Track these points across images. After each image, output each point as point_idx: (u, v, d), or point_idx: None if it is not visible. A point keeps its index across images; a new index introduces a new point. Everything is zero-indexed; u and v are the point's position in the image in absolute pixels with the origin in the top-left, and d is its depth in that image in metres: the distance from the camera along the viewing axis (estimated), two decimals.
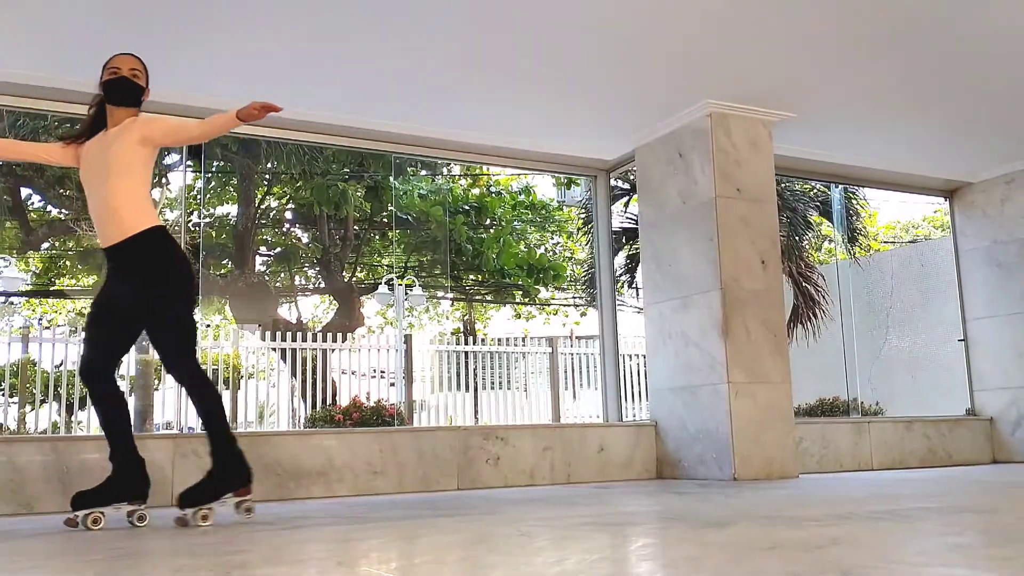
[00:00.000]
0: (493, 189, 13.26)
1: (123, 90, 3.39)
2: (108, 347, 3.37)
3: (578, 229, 13.07)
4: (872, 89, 5.34)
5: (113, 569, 2.22)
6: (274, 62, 4.70)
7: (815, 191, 10.11)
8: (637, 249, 6.95)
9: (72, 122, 9.52)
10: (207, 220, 11.64)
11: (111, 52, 4.46)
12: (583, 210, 11.73)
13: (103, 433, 3.34)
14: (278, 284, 12.26)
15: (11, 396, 9.15)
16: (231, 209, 12.01)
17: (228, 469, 3.33)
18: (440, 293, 13.60)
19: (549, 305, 14.78)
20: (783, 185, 9.16)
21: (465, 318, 14.28)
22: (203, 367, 3.53)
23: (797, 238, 9.63)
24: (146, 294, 3.28)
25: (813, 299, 9.88)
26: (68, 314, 13.03)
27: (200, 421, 3.39)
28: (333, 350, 10.08)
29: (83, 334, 3.36)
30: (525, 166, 6.67)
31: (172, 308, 3.31)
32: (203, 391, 3.33)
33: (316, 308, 13.44)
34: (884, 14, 4.37)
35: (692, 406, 5.45)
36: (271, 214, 12.49)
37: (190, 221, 10.50)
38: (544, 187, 13.98)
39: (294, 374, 9.84)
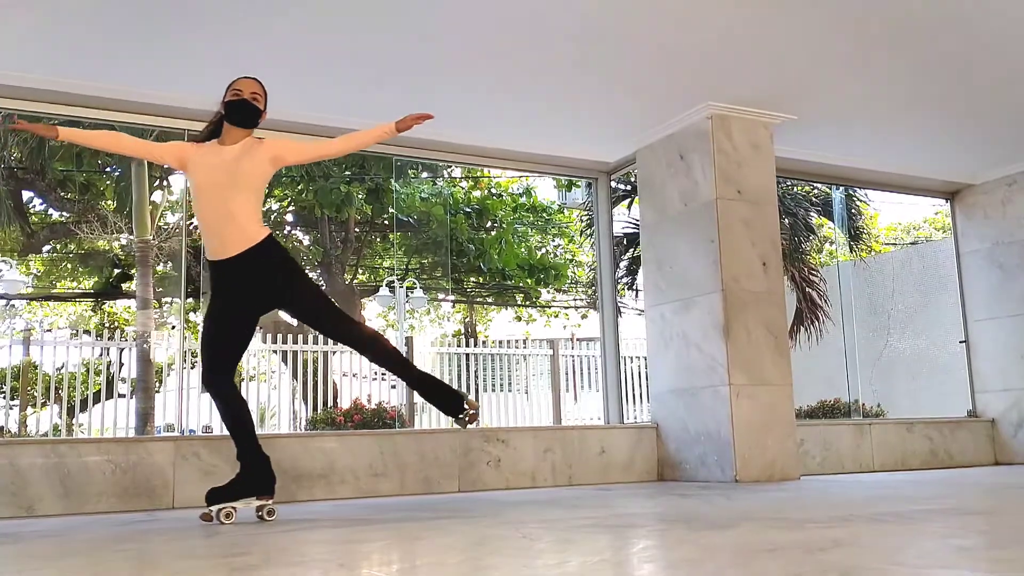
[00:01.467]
0: (494, 191, 13.27)
1: (244, 112, 3.61)
2: (234, 348, 3.58)
3: (579, 232, 13.08)
4: (873, 91, 5.34)
5: (115, 570, 2.22)
6: (274, 64, 4.71)
7: (815, 193, 10.12)
8: (638, 254, 6.95)
9: (72, 123, 9.56)
10: None
11: (110, 53, 4.50)
12: (584, 211, 11.74)
13: (229, 433, 3.51)
14: None
15: (12, 399, 9.16)
16: None
17: (255, 474, 3.49)
18: (441, 295, 13.60)
19: (550, 307, 14.79)
20: (783, 188, 9.16)
21: (466, 320, 14.29)
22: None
23: (798, 240, 9.63)
24: (286, 286, 3.56)
25: (815, 303, 9.88)
26: (69, 317, 13.04)
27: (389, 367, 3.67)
28: (334, 352, 10.08)
29: (203, 344, 3.56)
30: (526, 168, 6.67)
31: (313, 288, 3.73)
32: (381, 344, 3.69)
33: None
34: (885, 16, 4.37)
35: (693, 408, 5.45)
36: (272, 216, 12.50)
37: (191, 223, 10.50)
38: (545, 189, 13.99)
39: (295, 376, 9.85)
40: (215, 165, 3.52)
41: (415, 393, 3.77)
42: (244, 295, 3.54)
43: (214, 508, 3.37)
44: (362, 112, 5.37)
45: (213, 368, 3.50)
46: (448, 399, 3.64)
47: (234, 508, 3.38)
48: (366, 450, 4.98)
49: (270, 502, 3.49)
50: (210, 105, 5.07)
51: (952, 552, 2.15)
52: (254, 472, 3.48)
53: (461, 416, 3.61)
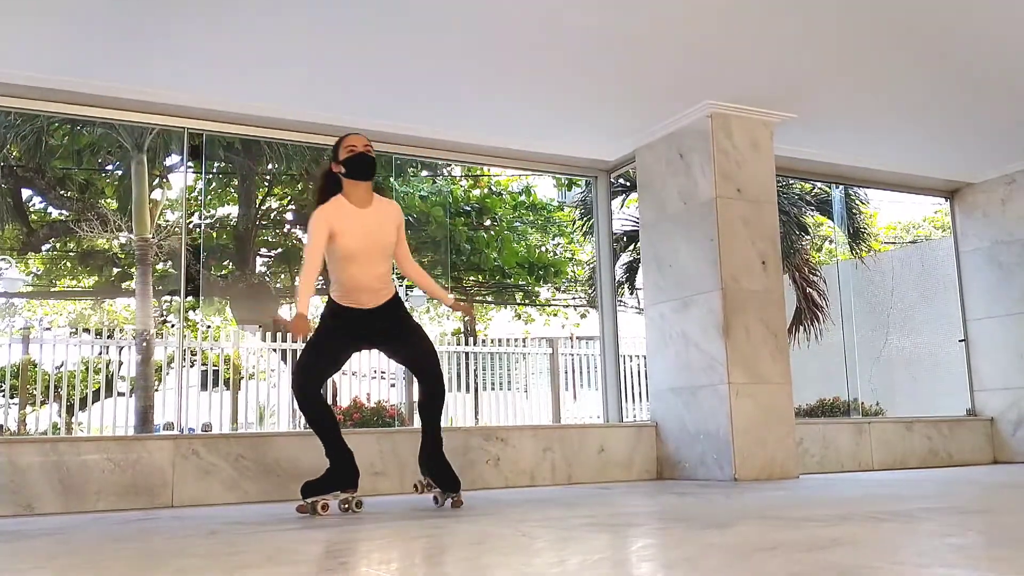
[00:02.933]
0: (494, 190, 13.27)
1: (365, 165, 3.80)
2: (336, 366, 3.97)
3: (578, 229, 13.08)
4: (873, 90, 5.34)
5: (115, 568, 2.22)
6: (274, 63, 4.71)
7: (813, 192, 10.12)
8: (638, 255, 6.96)
9: (72, 122, 9.57)
10: (208, 221, 11.65)
11: (108, 52, 4.50)
12: (582, 208, 11.74)
13: (317, 435, 3.81)
14: (279, 285, 12.27)
15: (12, 397, 9.16)
16: (232, 210, 12.02)
17: (341, 470, 3.79)
18: None
19: (550, 306, 14.78)
20: (778, 187, 9.17)
21: (465, 319, 14.27)
22: None
23: (791, 240, 9.63)
24: (406, 330, 3.96)
25: (815, 302, 9.89)
26: (68, 315, 13.04)
27: (429, 423, 3.94)
28: None
29: (310, 369, 3.81)
30: (525, 167, 6.67)
31: (423, 334, 4.05)
32: (442, 395, 3.96)
33: (317, 309, 13.45)
34: (885, 15, 4.37)
35: (692, 407, 5.45)
36: (272, 215, 12.50)
37: (191, 222, 10.50)
38: (544, 188, 13.99)
39: None
40: (364, 233, 3.78)
41: (423, 459, 4.00)
42: (366, 336, 3.92)
43: (309, 500, 3.68)
44: (360, 111, 5.38)
45: (314, 386, 3.82)
46: (448, 477, 3.87)
47: (328, 501, 3.70)
48: (365, 449, 4.97)
49: (354, 495, 3.79)
50: (210, 104, 5.10)
51: (951, 551, 2.15)
52: (340, 468, 3.77)
53: (447, 496, 3.87)
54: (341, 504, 3.79)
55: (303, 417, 3.91)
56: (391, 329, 3.91)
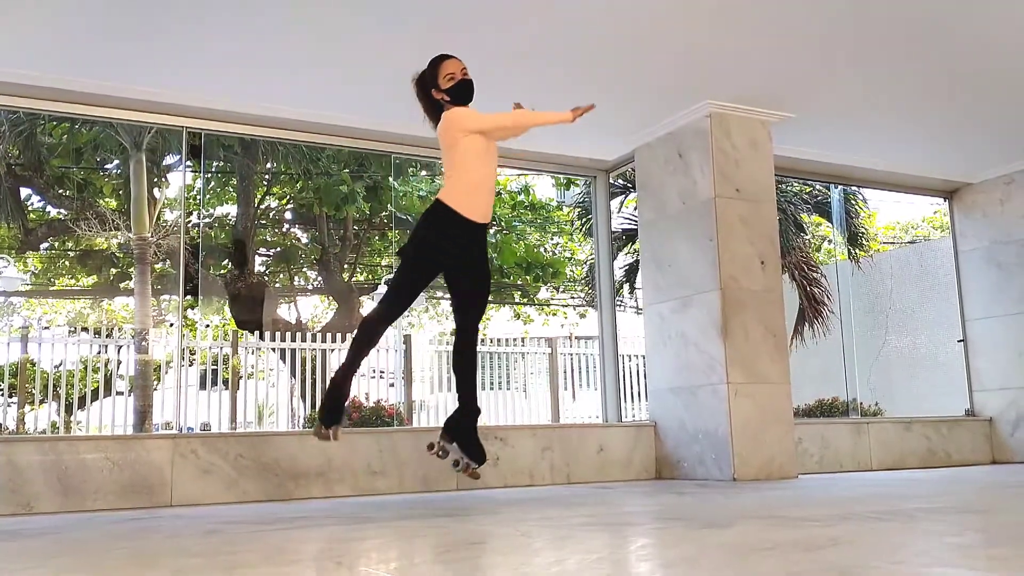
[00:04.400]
0: None
1: (473, 88, 3.92)
2: (416, 297, 4.00)
3: (577, 229, 13.08)
4: (872, 90, 5.34)
5: (113, 569, 2.22)
6: (274, 63, 4.70)
7: (810, 192, 10.12)
8: (637, 255, 6.96)
9: (71, 122, 9.56)
10: (206, 220, 11.64)
11: (110, 52, 4.49)
12: (580, 207, 11.74)
13: (354, 358, 3.93)
14: (277, 284, 12.26)
15: (10, 396, 9.15)
16: (230, 209, 12.01)
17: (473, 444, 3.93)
18: (440, 293, 13.59)
19: (548, 305, 14.78)
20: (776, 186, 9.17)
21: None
22: None
23: (787, 239, 9.63)
24: (485, 262, 3.95)
25: (818, 300, 9.89)
26: (67, 314, 13.02)
27: (462, 384, 3.94)
28: (332, 350, 10.08)
29: (402, 290, 3.87)
30: (524, 166, 6.67)
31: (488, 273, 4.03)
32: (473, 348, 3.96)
33: (315, 308, 13.45)
34: (884, 15, 4.37)
35: (691, 406, 5.45)
36: (271, 214, 12.49)
37: (189, 221, 10.49)
38: (543, 187, 13.98)
39: (294, 374, 9.84)
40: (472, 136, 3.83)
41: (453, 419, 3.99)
42: (465, 259, 3.87)
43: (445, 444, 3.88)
44: (360, 111, 5.38)
45: (393, 316, 3.94)
46: (474, 444, 3.92)
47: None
48: (364, 448, 4.98)
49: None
50: (209, 104, 5.09)
51: (950, 550, 2.16)
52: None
53: (467, 465, 3.92)
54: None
55: (357, 338, 3.94)
56: (478, 257, 3.90)
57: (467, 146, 3.80)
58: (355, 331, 3.95)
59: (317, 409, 3.87)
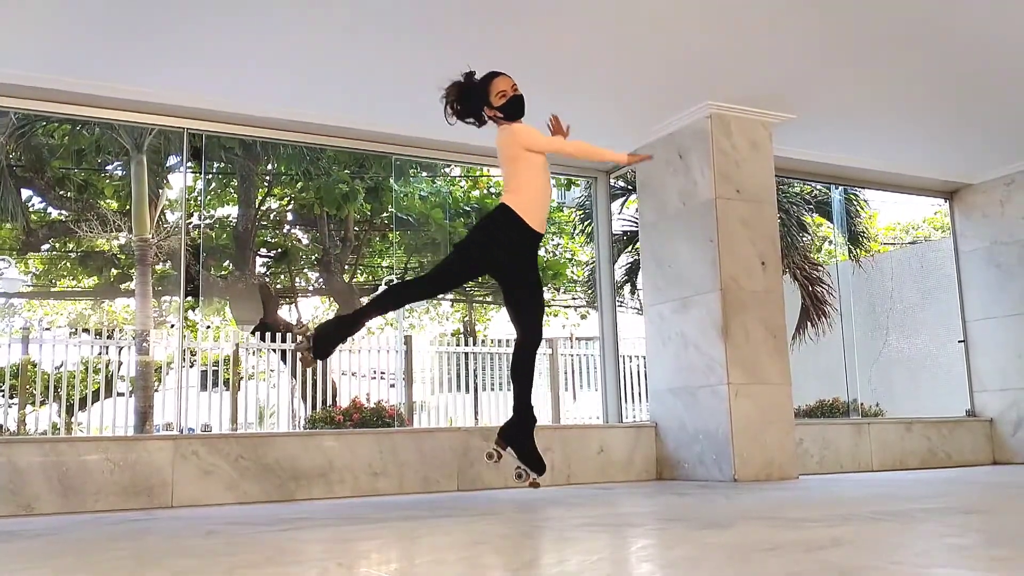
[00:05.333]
0: (493, 190, 13.26)
1: (524, 104, 4.05)
2: (455, 283, 4.21)
3: (578, 231, 13.08)
4: (872, 90, 5.34)
5: (114, 570, 2.22)
6: (274, 63, 4.71)
7: (811, 192, 10.12)
8: (638, 256, 6.96)
9: (72, 123, 9.56)
10: (207, 221, 11.65)
11: (110, 53, 4.49)
12: (581, 210, 11.74)
13: (365, 315, 3.99)
14: (278, 285, 12.27)
15: (11, 397, 9.15)
16: (231, 210, 12.02)
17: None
18: (440, 294, 13.58)
19: (549, 306, 14.78)
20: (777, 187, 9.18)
21: (465, 319, 14.28)
22: None
23: (790, 239, 9.63)
24: (537, 274, 4.06)
25: (821, 300, 9.89)
26: (68, 315, 13.03)
27: (517, 391, 4.03)
28: None
29: (448, 268, 4.02)
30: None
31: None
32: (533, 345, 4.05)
33: (316, 309, 13.45)
34: (884, 16, 4.37)
35: (692, 407, 5.45)
36: (271, 215, 12.49)
37: (190, 223, 10.49)
38: None
39: (294, 375, 9.84)
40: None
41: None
42: (519, 264, 3.97)
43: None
44: (361, 111, 5.38)
45: (427, 293, 4.12)
46: (532, 454, 3.97)
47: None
48: (365, 449, 4.98)
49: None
50: (210, 105, 5.10)
51: (950, 551, 2.16)
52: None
53: (528, 477, 3.95)
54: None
55: (377, 303, 4.00)
56: (530, 264, 4.01)
57: (530, 160, 3.95)
58: (379, 292, 4.05)
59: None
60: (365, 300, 12.09)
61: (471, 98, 4.01)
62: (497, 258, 3.93)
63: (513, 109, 4.00)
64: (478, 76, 3.99)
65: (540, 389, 11.00)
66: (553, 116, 4.21)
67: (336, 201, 10.78)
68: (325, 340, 3.85)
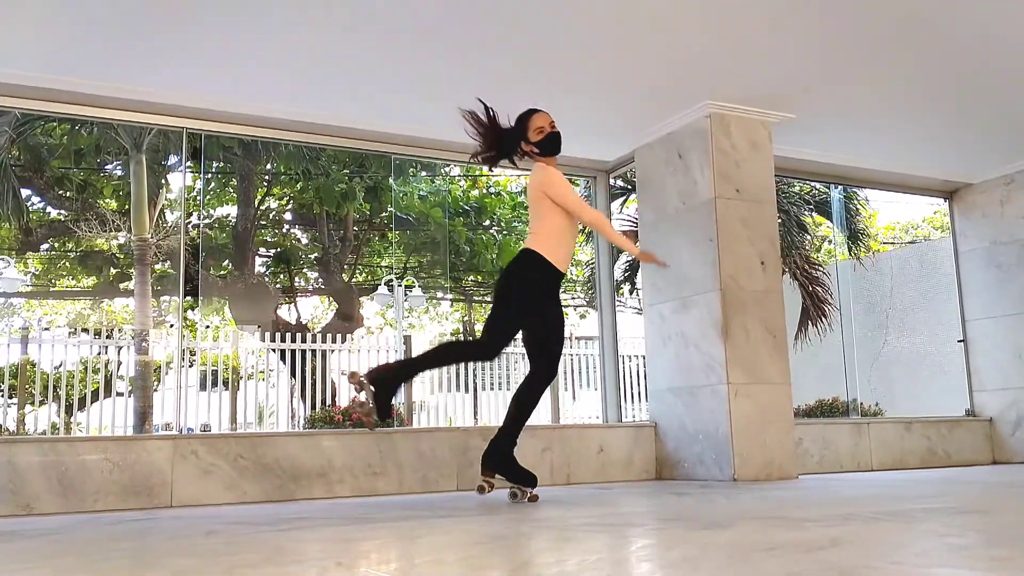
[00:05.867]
0: (492, 190, 13.26)
1: (561, 141, 4.20)
2: (504, 340, 4.07)
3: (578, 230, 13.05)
4: (872, 90, 5.34)
5: (113, 570, 2.22)
6: (274, 63, 4.70)
7: (811, 192, 10.13)
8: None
9: (72, 123, 9.56)
10: (207, 221, 11.65)
11: (110, 52, 4.49)
12: None
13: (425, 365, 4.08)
14: (277, 285, 12.27)
15: (10, 397, 9.15)
16: (231, 210, 12.02)
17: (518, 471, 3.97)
18: (440, 294, 13.60)
19: None
20: (777, 186, 9.18)
21: (464, 319, 14.28)
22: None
23: (790, 240, 9.64)
24: (559, 309, 4.15)
25: (822, 300, 9.90)
26: (67, 315, 13.03)
27: (513, 412, 4.00)
28: (332, 351, 10.08)
29: (501, 323, 4.00)
30: (526, 167, 6.64)
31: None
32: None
33: (316, 309, 13.45)
34: (884, 15, 4.37)
35: (692, 407, 5.45)
36: (271, 215, 12.49)
37: (189, 222, 10.50)
38: None
39: (293, 375, 9.84)
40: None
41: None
42: (545, 302, 4.05)
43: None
44: (361, 111, 5.38)
45: (487, 355, 4.09)
46: (517, 470, 3.96)
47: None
48: (364, 449, 4.98)
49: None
50: (209, 104, 5.09)
51: (950, 551, 2.15)
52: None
53: (524, 494, 3.94)
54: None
55: (434, 359, 4.09)
56: (554, 300, 4.11)
57: (555, 205, 4.06)
58: (438, 344, 4.19)
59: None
60: (364, 301, 12.10)
61: (506, 142, 4.11)
62: (534, 298, 4.00)
63: (550, 146, 4.11)
64: (502, 114, 4.06)
65: None
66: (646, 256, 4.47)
67: (335, 199, 10.78)
68: (386, 398, 3.88)
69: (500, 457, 3.95)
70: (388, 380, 3.88)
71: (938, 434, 6.71)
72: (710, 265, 5.37)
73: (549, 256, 3.97)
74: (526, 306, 3.98)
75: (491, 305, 4.09)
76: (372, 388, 3.84)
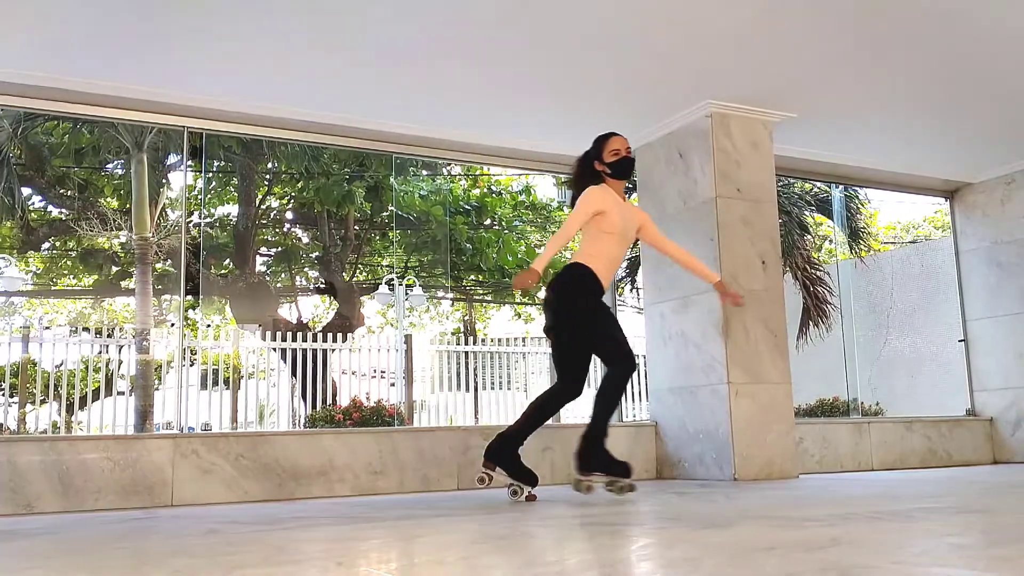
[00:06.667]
0: (493, 189, 13.27)
1: (631, 168, 4.25)
2: (584, 366, 4.11)
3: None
4: (873, 89, 5.33)
5: (114, 568, 2.22)
6: (275, 62, 4.70)
7: (813, 191, 10.12)
8: (637, 256, 6.95)
9: (73, 122, 9.56)
10: (208, 220, 11.65)
11: (111, 52, 4.49)
12: None
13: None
14: (278, 284, 12.27)
15: (11, 396, 9.16)
16: (232, 209, 12.02)
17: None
18: (440, 293, 13.60)
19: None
20: (778, 186, 9.18)
21: (465, 318, 14.28)
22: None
23: (793, 238, 9.64)
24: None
25: (823, 300, 9.90)
26: (68, 314, 13.03)
27: (596, 405, 4.01)
28: (333, 350, 10.08)
29: (576, 351, 4.05)
30: (525, 166, 6.66)
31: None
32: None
33: (316, 308, 13.45)
34: (885, 15, 4.37)
35: (692, 406, 5.45)
36: (272, 214, 12.49)
37: (191, 221, 10.50)
38: (544, 187, 13.99)
39: (294, 374, 9.85)
40: (624, 220, 4.13)
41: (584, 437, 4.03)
42: (595, 314, 4.07)
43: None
44: (360, 111, 5.38)
45: (571, 388, 4.07)
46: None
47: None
48: (365, 448, 4.98)
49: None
50: (210, 104, 5.10)
51: (950, 550, 2.15)
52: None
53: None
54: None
55: (538, 420, 4.05)
56: (605, 310, 4.14)
57: (600, 224, 4.08)
58: (538, 399, 4.10)
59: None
60: (366, 300, 12.10)
61: (588, 161, 4.21)
62: (589, 310, 4.04)
63: (621, 169, 4.16)
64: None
65: (540, 389, 11.02)
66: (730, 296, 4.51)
67: (335, 201, 10.79)
68: (512, 464, 3.97)
69: (504, 452, 3.97)
70: (504, 452, 3.97)
71: (939, 434, 6.70)
72: (711, 264, 5.36)
73: (600, 273, 4.07)
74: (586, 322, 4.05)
75: (556, 335, 4.09)
76: (497, 468, 3.94)
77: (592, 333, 4.01)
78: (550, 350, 4.19)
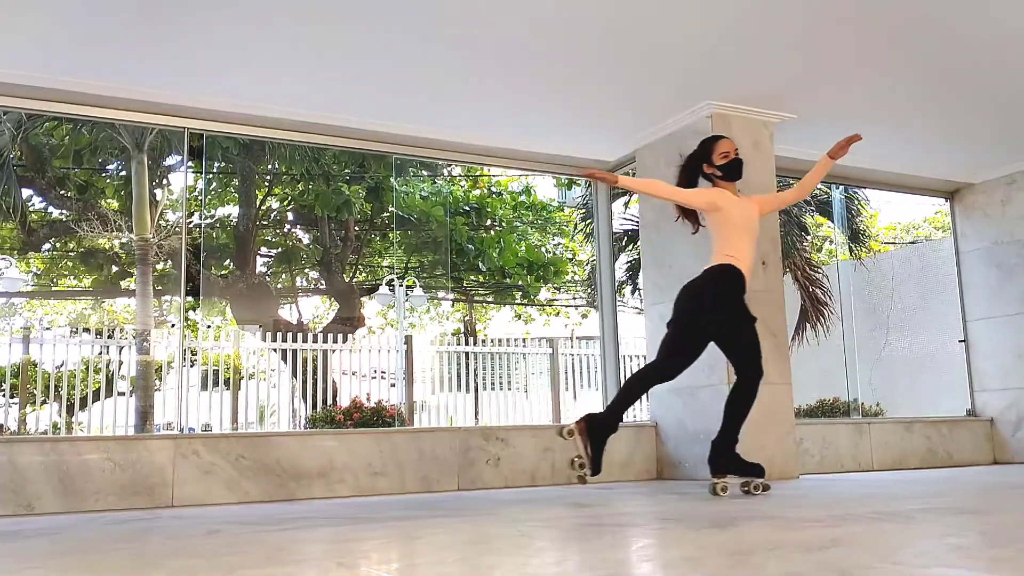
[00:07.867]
0: (494, 190, 13.27)
1: (741, 169, 4.28)
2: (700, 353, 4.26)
3: (578, 229, 13.08)
4: (873, 90, 5.34)
5: (113, 570, 2.22)
6: (274, 63, 4.71)
7: (813, 192, 10.13)
8: (638, 255, 6.96)
9: (73, 123, 9.56)
10: (208, 221, 11.65)
11: (111, 53, 4.49)
12: (582, 209, 11.74)
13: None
14: (279, 285, 12.27)
15: (12, 396, 9.16)
16: (232, 210, 12.02)
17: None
18: (441, 294, 13.60)
19: (550, 306, 14.79)
20: (777, 186, 9.18)
21: (466, 319, 14.28)
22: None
23: (792, 239, 9.65)
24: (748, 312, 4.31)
25: (820, 301, 9.91)
26: (68, 315, 13.04)
27: (727, 413, 4.21)
28: (334, 351, 10.09)
29: (691, 341, 4.19)
30: (526, 167, 6.66)
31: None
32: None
33: (317, 309, 13.46)
34: (885, 16, 4.37)
35: (692, 407, 5.45)
36: (272, 215, 12.49)
37: (191, 222, 10.49)
38: (545, 188, 14.00)
39: (295, 375, 9.85)
40: (746, 217, 4.24)
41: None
42: (741, 314, 4.26)
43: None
44: (360, 111, 5.38)
45: (675, 372, 4.24)
46: (741, 463, 4.13)
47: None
48: (365, 449, 4.98)
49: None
50: (210, 104, 5.10)
51: (950, 551, 2.15)
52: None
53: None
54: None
55: (631, 398, 4.17)
56: (745, 310, 4.25)
57: (724, 219, 4.22)
58: (631, 378, 4.20)
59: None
60: (365, 301, 12.10)
61: (694, 164, 4.26)
62: (731, 313, 4.20)
63: (731, 171, 4.21)
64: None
65: (541, 389, 11.03)
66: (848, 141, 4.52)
67: (334, 207, 10.79)
68: (599, 449, 4.03)
69: (726, 458, 4.10)
70: (602, 430, 4.03)
71: (939, 434, 6.70)
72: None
73: (745, 270, 4.22)
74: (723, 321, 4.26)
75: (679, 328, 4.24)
76: (588, 439, 3.98)
77: (738, 333, 4.16)
78: (674, 329, 4.23)
